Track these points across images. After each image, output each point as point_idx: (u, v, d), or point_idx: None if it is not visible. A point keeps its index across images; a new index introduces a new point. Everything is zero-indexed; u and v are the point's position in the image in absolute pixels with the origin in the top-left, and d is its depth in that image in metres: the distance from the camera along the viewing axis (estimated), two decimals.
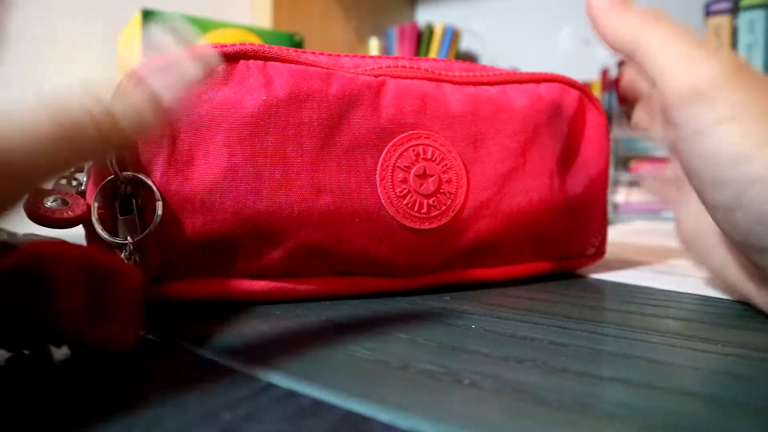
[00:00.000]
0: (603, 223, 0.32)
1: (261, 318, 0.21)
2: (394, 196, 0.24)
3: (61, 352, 0.17)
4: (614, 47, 0.22)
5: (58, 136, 0.13)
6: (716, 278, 0.25)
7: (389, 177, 0.24)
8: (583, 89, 0.31)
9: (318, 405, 0.13)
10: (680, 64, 0.19)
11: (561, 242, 0.30)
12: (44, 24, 0.69)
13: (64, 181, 0.23)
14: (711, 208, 0.20)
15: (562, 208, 0.29)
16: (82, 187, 0.23)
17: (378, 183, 0.24)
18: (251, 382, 0.15)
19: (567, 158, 0.29)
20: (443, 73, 0.27)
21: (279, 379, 0.15)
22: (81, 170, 0.24)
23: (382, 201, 0.24)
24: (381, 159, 0.24)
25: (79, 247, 0.16)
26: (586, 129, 0.30)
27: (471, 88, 0.27)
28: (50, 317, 0.15)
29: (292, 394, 0.14)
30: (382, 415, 0.13)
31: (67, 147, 0.13)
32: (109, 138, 0.14)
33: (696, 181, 0.20)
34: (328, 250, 0.23)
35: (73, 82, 0.14)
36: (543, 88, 0.29)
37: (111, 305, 0.16)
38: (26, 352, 0.17)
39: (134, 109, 0.14)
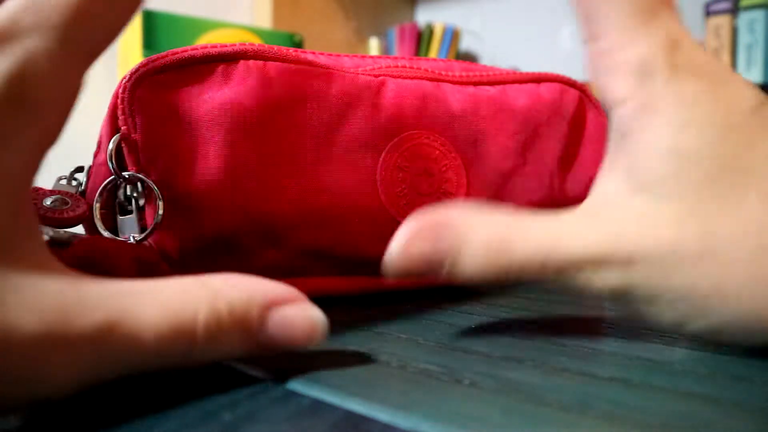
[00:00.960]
0: None
1: None
2: (394, 195, 0.24)
3: None
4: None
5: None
6: None
7: (389, 177, 0.24)
8: (584, 89, 0.31)
9: (318, 405, 0.13)
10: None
11: None
12: None
13: (64, 182, 0.23)
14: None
15: (562, 209, 0.29)
16: (82, 187, 0.23)
17: (378, 183, 0.24)
18: (251, 382, 0.15)
19: (567, 158, 0.29)
20: (443, 73, 0.27)
21: (279, 379, 0.15)
22: (81, 170, 0.24)
23: (382, 201, 0.24)
24: (381, 159, 0.24)
25: (122, 241, 0.17)
26: (586, 129, 0.30)
27: (471, 88, 0.27)
28: None
29: (292, 394, 0.14)
30: (382, 415, 0.13)
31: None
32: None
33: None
34: (327, 250, 0.23)
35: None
36: (543, 88, 0.29)
37: None
38: None
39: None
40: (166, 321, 0.13)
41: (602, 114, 0.31)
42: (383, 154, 0.24)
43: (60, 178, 0.23)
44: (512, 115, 0.27)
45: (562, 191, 0.29)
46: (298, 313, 0.15)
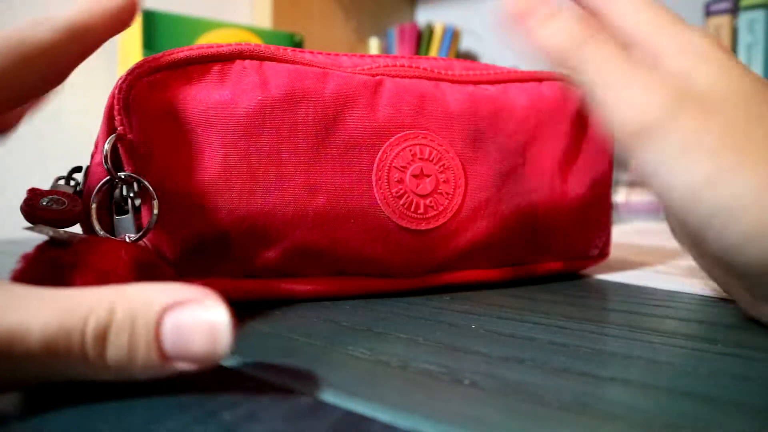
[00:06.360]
0: (607, 224, 0.31)
1: (261, 318, 0.21)
2: (390, 196, 0.24)
3: None
4: (548, 59, 0.20)
5: None
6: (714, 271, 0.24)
7: (385, 177, 0.24)
8: None
9: (318, 405, 0.13)
10: (622, 102, 0.18)
11: (562, 244, 0.29)
12: None
13: (62, 182, 0.23)
14: (687, 229, 0.19)
15: (563, 209, 0.28)
16: (80, 187, 0.23)
17: (374, 183, 0.24)
18: (251, 382, 0.15)
19: (569, 158, 0.29)
20: (443, 72, 0.27)
21: (279, 379, 0.15)
22: (79, 170, 0.24)
23: (378, 201, 0.24)
24: (377, 159, 0.24)
25: (119, 241, 0.17)
26: (589, 128, 0.30)
27: (470, 87, 0.27)
28: None
29: (291, 394, 0.14)
30: (382, 415, 0.13)
31: None
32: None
33: (666, 207, 0.19)
34: (323, 250, 0.23)
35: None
36: (545, 86, 0.29)
37: None
38: None
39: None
40: (55, 320, 0.12)
41: None
42: (379, 154, 0.24)
43: (58, 179, 0.23)
44: (512, 115, 0.27)
45: (564, 192, 0.28)
46: (194, 316, 0.13)
